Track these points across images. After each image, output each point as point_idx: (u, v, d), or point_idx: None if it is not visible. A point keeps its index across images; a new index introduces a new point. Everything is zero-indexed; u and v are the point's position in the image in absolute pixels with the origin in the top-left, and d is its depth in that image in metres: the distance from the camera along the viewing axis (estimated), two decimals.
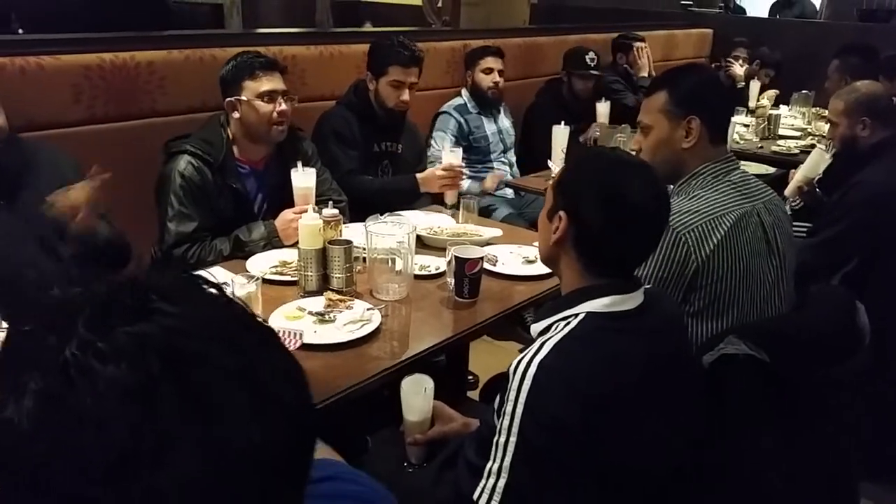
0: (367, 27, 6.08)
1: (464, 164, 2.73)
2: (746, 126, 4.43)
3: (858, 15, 5.74)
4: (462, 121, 3.48)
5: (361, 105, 2.81)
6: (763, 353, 1.45)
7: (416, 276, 2.05)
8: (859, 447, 1.64)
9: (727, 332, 1.51)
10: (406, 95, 2.76)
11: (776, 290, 1.69)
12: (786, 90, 4.97)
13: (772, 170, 3.58)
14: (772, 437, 1.40)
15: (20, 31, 4.87)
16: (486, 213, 3.42)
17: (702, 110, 1.72)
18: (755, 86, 5.05)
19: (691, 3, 6.52)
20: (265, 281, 1.99)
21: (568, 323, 1.19)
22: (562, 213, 1.24)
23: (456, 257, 1.92)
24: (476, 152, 3.56)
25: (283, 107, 2.24)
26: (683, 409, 1.30)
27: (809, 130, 4.47)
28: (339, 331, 1.72)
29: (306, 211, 2.15)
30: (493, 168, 3.63)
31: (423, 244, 2.27)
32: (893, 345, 2.05)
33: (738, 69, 5.08)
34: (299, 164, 2.20)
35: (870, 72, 3.26)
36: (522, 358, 1.13)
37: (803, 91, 4.87)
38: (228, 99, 2.25)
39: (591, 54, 3.81)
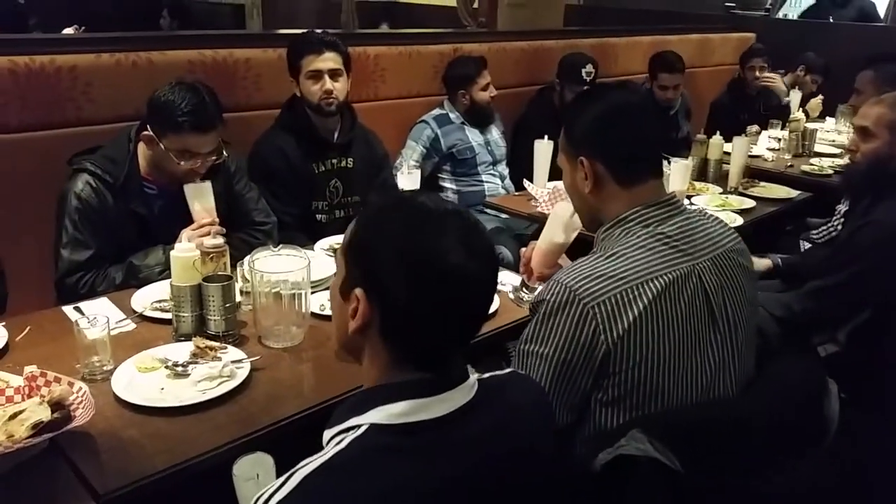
0: (384, 28, 5.83)
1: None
2: (779, 140, 3.99)
3: None
4: (438, 132, 3.18)
5: (297, 121, 2.54)
6: (673, 456, 1.12)
7: (321, 317, 1.77)
8: None
9: (632, 422, 1.19)
10: (329, 84, 2.46)
11: (723, 373, 1.33)
12: (833, 101, 4.50)
13: (795, 193, 3.15)
14: None
15: None
16: None
17: (593, 147, 1.39)
18: (796, 96, 4.59)
19: (735, 5, 6.03)
20: (145, 318, 1.76)
21: (342, 440, 0.89)
22: (358, 290, 0.94)
23: None
24: (461, 165, 3.26)
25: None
26: None
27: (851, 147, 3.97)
28: (187, 389, 1.46)
29: (206, 229, 1.91)
30: (481, 181, 3.32)
31: None
32: None
33: (780, 82, 4.62)
34: (196, 178, 1.95)
35: None
36: (263, 493, 0.83)
37: (850, 103, 4.37)
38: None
39: (589, 67, 3.44)
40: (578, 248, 1.43)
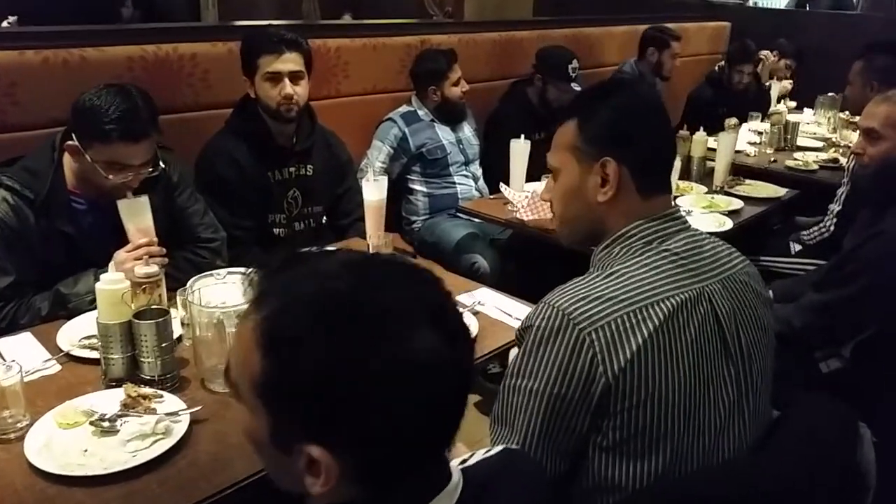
0: (346, 19, 5.56)
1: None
2: (760, 134, 3.85)
3: None
4: (406, 131, 2.96)
5: (251, 125, 2.29)
6: None
7: None
8: None
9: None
10: (289, 89, 2.22)
11: (737, 414, 1.15)
12: (807, 91, 4.37)
13: (783, 191, 3.00)
14: None
15: None
16: (438, 234, 2.93)
17: (622, 149, 1.19)
18: (776, 87, 4.46)
19: None
20: (72, 358, 1.53)
21: None
22: (314, 449, 0.67)
23: None
24: (432, 165, 3.04)
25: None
26: None
27: (834, 140, 3.84)
28: (115, 451, 1.23)
29: (142, 251, 1.69)
30: (453, 183, 3.11)
31: None
32: None
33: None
34: (129, 193, 1.72)
35: None
36: None
37: (829, 94, 4.24)
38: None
39: (575, 63, 3.24)
40: (576, 268, 1.23)
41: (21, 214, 1.72)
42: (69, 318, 1.67)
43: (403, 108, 3.03)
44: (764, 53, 4.57)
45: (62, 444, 1.25)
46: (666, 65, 4.10)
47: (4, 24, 4.71)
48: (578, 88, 3.25)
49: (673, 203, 1.27)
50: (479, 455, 0.84)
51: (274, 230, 2.37)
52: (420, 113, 3.04)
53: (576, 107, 1.26)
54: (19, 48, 2.11)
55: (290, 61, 2.23)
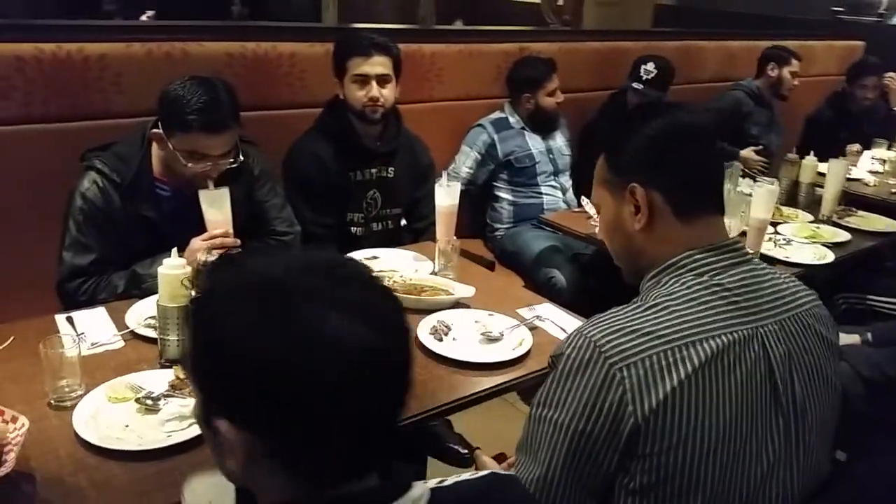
0: (457, 25, 5.60)
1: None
2: (883, 163, 3.55)
3: None
4: (495, 137, 2.93)
5: (338, 125, 2.33)
6: None
7: None
8: None
9: None
10: (375, 91, 2.25)
11: (783, 468, 1.04)
12: None
13: None
14: None
15: None
16: (520, 244, 2.88)
17: (649, 174, 1.12)
18: None
19: (843, 9, 5.51)
20: (136, 336, 1.60)
21: None
22: (222, 423, 0.69)
23: None
24: (519, 174, 3.00)
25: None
26: None
27: None
28: (153, 429, 1.28)
29: (218, 241, 1.75)
30: (540, 193, 3.05)
31: None
32: None
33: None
34: (210, 183, 1.78)
35: None
36: None
37: None
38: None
39: (650, 65, 3.13)
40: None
41: (108, 196, 1.82)
42: (142, 297, 1.75)
43: (495, 115, 3.01)
44: (891, 75, 4.24)
45: (108, 417, 1.31)
46: (785, 83, 3.90)
47: (143, 17, 5.08)
48: (639, 88, 3.18)
49: (733, 234, 1.18)
50: (464, 477, 0.81)
51: (352, 229, 2.41)
52: (511, 120, 3.01)
53: (604, 139, 1.22)
54: (126, 41, 2.24)
55: (377, 64, 2.26)
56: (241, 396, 0.67)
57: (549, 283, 2.63)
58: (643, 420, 0.97)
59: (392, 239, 2.43)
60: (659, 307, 1.05)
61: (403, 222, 2.54)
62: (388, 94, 2.29)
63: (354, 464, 0.70)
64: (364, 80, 2.26)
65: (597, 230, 1.27)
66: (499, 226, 3.04)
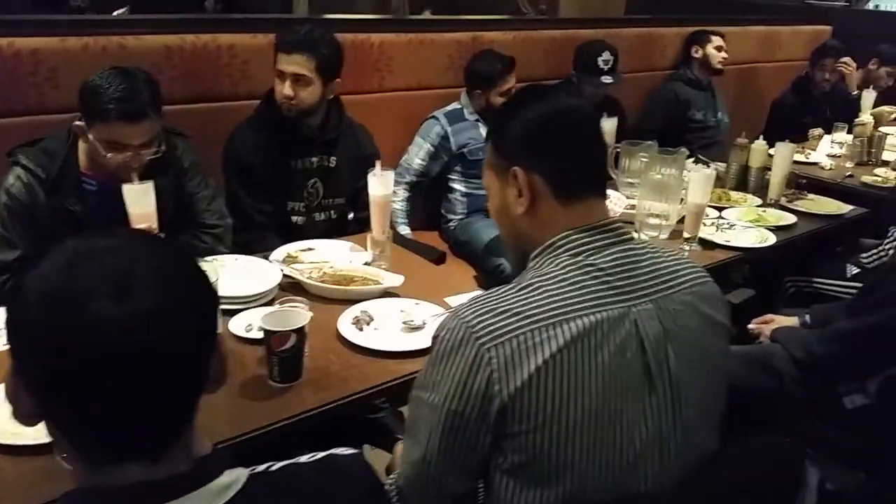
0: (426, 15, 5.57)
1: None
2: (840, 145, 3.56)
3: None
4: (448, 130, 2.92)
5: (276, 115, 2.31)
6: None
7: (241, 340, 1.58)
8: None
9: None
10: (287, 89, 2.21)
11: (657, 450, 1.05)
12: None
13: (847, 208, 2.76)
14: None
15: None
16: (471, 234, 2.88)
17: (530, 157, 1.13)
18: (869, 97, 4.10)
19: None
20: None
21: None
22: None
23: (262, 328, 1.44)
24: (473, 165, 2.99)
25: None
26: None
27: None
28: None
29: None
30: None
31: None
32: None
33: (854, 73, 4.18)
34: (135, 177, 1.77)
35: None
36: None
37: None
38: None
39: (606, 55, 3.12)
40: None
41: (32, 192, 1.82)
42: None
43: (450, 106, 2.99)
44: (845, 60, 4.24)
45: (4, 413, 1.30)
46: (713, 58, 3.92)
47: (116, 13, 5.05)
48: (609, 81, 3.15)
49: (611, 213, 1.19)
50: (302, 459, 0.81)
51: (293, 218, 2.41)
52: (466, 112, 2.99)
53: (491, 121, 1.23)
54: (61, 35, 2.23)
55: (293, 63, 2.21)
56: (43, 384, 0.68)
57: (496, 270, 2.64)
58: (509, 399, 0.98)
59: (337, 229, 2.43)
60: (532, 287, 1.06)
61: (352, 215, 2.54)
62: (304, 94, 2.24)
63: (131, 452, 0.70)
64: (280, 75, 2.25)
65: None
66: (452, 217, 3.04)
